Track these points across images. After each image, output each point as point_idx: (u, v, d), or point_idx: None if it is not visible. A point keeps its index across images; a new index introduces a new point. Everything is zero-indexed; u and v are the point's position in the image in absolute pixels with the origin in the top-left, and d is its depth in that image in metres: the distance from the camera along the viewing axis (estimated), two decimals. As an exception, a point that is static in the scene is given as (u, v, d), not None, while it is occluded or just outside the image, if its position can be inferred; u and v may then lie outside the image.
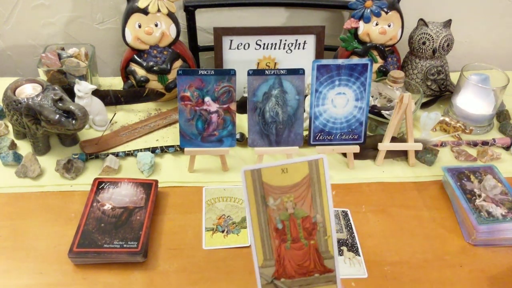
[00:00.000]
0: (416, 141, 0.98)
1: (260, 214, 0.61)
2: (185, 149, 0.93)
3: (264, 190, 0.60)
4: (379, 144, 0.97)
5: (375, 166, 0.99)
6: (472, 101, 1.07)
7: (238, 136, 1.01)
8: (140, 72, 1.09)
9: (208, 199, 0.90)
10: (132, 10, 1.04)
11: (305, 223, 0.62)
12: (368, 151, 1.00)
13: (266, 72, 0.90)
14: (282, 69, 0.90)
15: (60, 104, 0.88)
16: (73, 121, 0.88)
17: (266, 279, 0.63)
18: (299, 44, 1.15)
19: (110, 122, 1.07)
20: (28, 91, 0.95)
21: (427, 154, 0.99)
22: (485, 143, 1.05)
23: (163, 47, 1.08)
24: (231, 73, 0.89)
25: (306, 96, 0.99)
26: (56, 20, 1.21)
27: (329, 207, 0.62)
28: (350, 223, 0.86)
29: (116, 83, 1.22)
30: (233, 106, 0.92)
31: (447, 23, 1.13)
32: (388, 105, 1.04)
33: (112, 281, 0.75)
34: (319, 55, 1.15)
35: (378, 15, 1.09)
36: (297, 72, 0.91)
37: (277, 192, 0.61)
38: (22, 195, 0.90)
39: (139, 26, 1.04)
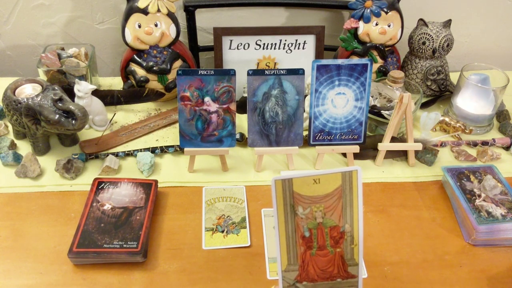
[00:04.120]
0: (416, 141, 0.98)
1: (287, 222, 0.61)
2: (185, 149, 0.93)
3: (294, 199, 0.59)
4: (379, 144, 0.97)
5: (375, 166, 0.99)
6: (472, 101, 1.07)
7: (238, 136, 1.01)
8: (140, 72, 1.09)
9: (208, 199, 0.90)
10: (132, 10, 1.04)
11: (333, 232, 0.62)
12: (368, 151, 1.00)
13: (266, 72, 0.90)
14: (282, 69, 0.90)
15: (60, 104, 0.88)
16: (73, 121, 0.88)
17: (288, 282, 0.63)
18: (299, 44, 1.15)
19: (110, 122, 1.07)
20: (28, 91, 0.95)
21: (427, 154, 0.99)
22: (485, 143, 1.05)
23: (163, 47, 1.08)
24: (231, 73, 0.89)
25: (306, 96, 0.99)
26: (56, 20, 1.21)
27: (359, 218, 0.61)
28: (350, 223, 0.86)
29: (116, 83, 1.22)
30: (233, 106, 0.92)
31: (447, 23, 1.12)
32: (388, 105, 1.04)
33: (112, 281, 0.75)
34: (319, 55, 1.15)
35: (378, 15, 1.09)
36: (297, 72, 0.91)
37: (307, 202, 0.60)
38: (22, 195, 0.90)
39: (139, 26, 1.04)
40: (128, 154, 0.99)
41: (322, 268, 0.63)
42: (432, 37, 1.11)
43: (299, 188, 0.59)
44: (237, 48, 1.13)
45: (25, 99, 0.90)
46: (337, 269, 0.64)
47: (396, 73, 1.04)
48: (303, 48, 1.15)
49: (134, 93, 1.10)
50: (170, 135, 1.06)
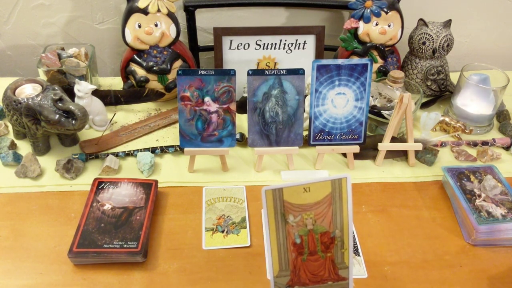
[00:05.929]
0: (416, 141, 0.98)
1: (278, 230, 0.61)
2: (185, 149, 0.93)
3: (284, 208, 0.60)
4: (379, 144, 0.97)
5: (375, 166, 0.99)
6: (472, 101, 1.07)
7: (238, 136, 1.01)
8: (140, 72, 1.09)
9: (208, 199, 0.90)
10: (132, 10, 1.04)
11: (323, 237, 0.62)
12: (368, 151, 1.00)
13: (266, 72, 0.90)
14: (282, 69, 0.90)
15: (60, 104, 0.88)
16: (73, 121, 0.88)
17: (280, 287, 0.64)
18: (299, 44, 1.15)
19: (110, 122, 1.07)
20: (28, 91, 0.95)
21: (427, 154, 0.99)
22: (485, 143, 1.05)
23: (163, 47, 1.08)
24: (231, 73, 0.89)
25: (306, 96, 0.99)
26: (56, 20, 1.21)
27: (348, 223, 0.62)
28: (350, 223, 0.86)
29: (116, 83, 1.22)
30: (233, 106, 0.92)
31: (447, 23, 1.12)
32: (388, 105, 1.04)
33: (112, 281, 0.75)
34: (319, 55, 1.15)
35: (378, 15, 1.09)
36: (297, 72, 0.91)
37: (298, 210, 0.60)
38: (22, 195, 0.90)
39: (139, 26, 1.04)
40: (128, 154, 0.99)
41: (314, 272, 0.64)
42: (432, 37, 1.11)
43: (290, 197, 0.59)
44: (237, 48, 1.13)
45: (25, 99, 0.90)
46: (328, 273, 0.64)
47: (396, 73, 1.04)
48: (303, 48, 1.15)
49: (134, 93, 1.10)
50: (170, 135, 1.06)
